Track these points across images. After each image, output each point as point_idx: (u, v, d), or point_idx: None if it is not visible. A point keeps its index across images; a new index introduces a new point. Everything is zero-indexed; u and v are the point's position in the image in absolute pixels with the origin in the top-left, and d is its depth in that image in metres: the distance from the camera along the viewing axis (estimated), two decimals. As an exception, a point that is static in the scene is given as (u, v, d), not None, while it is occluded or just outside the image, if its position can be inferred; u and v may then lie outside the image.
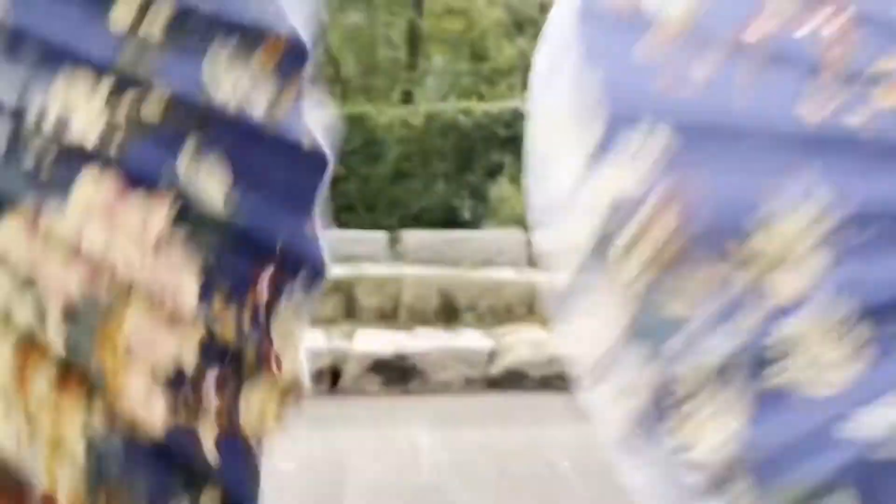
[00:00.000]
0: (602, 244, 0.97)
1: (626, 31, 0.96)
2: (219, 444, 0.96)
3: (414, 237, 7.41)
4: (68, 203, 0.80)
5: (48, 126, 0.80)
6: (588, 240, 1.00)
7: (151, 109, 0.84)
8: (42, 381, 0.82)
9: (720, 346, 0.88)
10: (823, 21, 0.86)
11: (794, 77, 0.87)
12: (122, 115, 0.82)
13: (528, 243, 7.52)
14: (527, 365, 5.66)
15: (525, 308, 6.50)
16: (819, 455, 0.83)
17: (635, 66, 0.94)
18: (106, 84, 0.82)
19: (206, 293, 0.88)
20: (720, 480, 0.89)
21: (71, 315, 0.81)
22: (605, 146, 0.94)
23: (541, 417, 4.94)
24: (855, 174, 0.85)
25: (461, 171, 7.74)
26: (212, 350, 0.90)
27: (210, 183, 0.87)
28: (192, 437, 0.91)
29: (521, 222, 8.36)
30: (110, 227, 0.82)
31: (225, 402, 0.94)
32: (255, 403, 1.00)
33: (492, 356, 5.70)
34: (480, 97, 16.18)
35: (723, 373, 0.88)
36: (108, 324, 0.83)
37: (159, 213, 0.83)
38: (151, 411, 0.86)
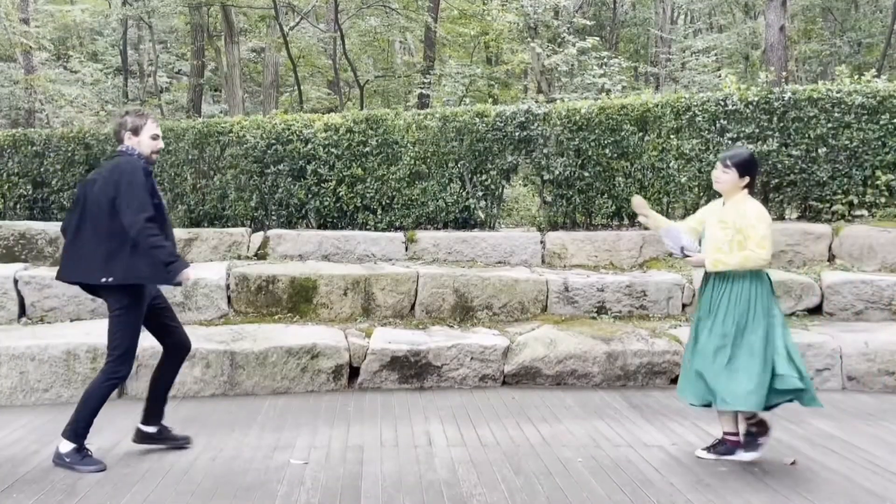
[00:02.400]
0: None
1: None
2: None
3: (429, 237, 7.51)
4: None
5: None
6: None
7: None
8: None
9: None
10: None
11: None
12: None
13: (542, 243, 7.57)
14: (540, 362, 5.72)
15: (538, 306, 6.55)
16: None
17: None
18: None
19: None
20: None
21: None
22: None
23: (554, 414, 5.01)
24: None
25: (476, 172, 7.79)
26: None
27: None
28: None
29: (534, 222, 8.41)
30: None
31: None
32: None
33: (506, 354, 5.77)
34: (495, 100, 16.24)
35: None
36: None
37: None
38: None
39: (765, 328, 3.96)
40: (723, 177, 4.03)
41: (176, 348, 4.29)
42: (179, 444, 4.28)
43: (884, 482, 3.83)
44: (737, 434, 4.15)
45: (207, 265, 6.86)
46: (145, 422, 4.27)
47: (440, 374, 5.67)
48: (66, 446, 3.97)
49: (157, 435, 4.28)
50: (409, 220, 7.87)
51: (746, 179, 4.01)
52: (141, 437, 4.27)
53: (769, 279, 4.08)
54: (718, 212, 4.10)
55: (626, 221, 8.01)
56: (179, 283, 4.00)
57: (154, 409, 4.27)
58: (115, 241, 3.91)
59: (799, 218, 7.85)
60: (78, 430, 3.98)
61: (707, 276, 4.14)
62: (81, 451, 3.99)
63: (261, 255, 7.32)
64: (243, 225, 7.88)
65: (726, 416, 4.14)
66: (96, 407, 3.99)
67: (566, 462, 4.09)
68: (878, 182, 7.42)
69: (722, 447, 4.16)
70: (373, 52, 21.01)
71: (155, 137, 4.09)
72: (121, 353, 3.98)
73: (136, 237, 3.85)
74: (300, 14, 17.72)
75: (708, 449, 4.19)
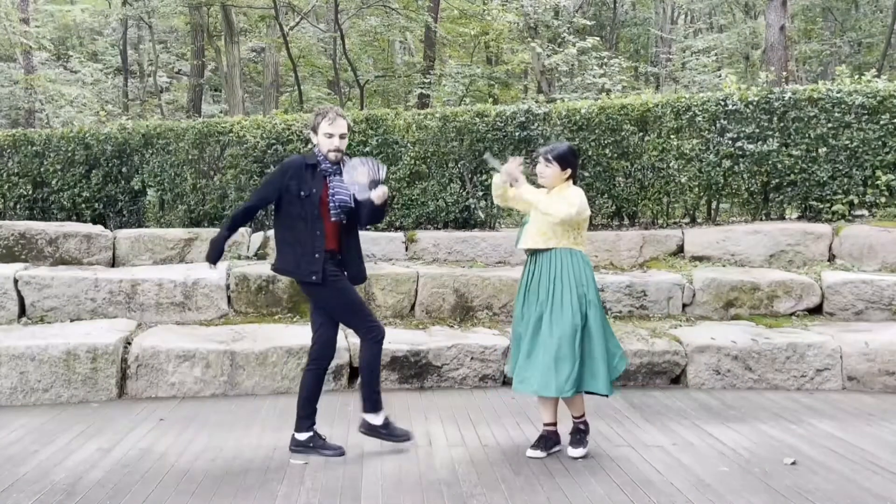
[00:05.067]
0: None
1: None
2: None
3: (429, 237, 7.49)
4: None
5: None
6: None
7: None
8: None
9: None
10: None
11: None
12: None
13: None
14: (540, 362, 5.70)
15: (539, 307, 6.54)
16: None
17: None
18: None
19: None
20: None
21: None
22: None
23: (554, 414, 5.02)
24: None
25: (476, 172, 7.79)
26: None
27: None
28: None
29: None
30: None
31: None
32: None
33: (506, 354, 5.76)
34: (495, 100, 16.24)
35: None
36: None
37: None
38: None
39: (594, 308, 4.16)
40: (546, 171, 4.17)
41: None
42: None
43: (884, 482, 3.82)
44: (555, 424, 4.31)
45: (207, 265, 6.85)
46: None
47: (440, 375, 5.67)
48: (302, 436, 4.22)
49: (382, 427, 4.29)
50: (409, 220, 7.88)
51: (568, 171, 4.18)
52: (367, 428, 4.31)
53: (585, 259, 4.21)
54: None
55: (626, 221, 8.02)
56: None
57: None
58: (280, 232, 4.20)
59: (799, 218, 7.85)
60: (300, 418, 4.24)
61: (536, 260, 4.22)
62: (314, 438, 4.21)
63: (261, 255, 7.31)
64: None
65: (552, 406, 4.27)
66: (308, 395, 4.21)
67: (566, 462, 4.10)
68: (879, 182, 7.42)
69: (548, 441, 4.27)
70: (373, 52, 21.00)
71: (328, 136, 4.07)
72: (316, 342, 4.22)
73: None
74: (300, 14, 17.72)
75: (539, 447, 4.25)
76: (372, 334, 4.18)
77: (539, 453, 4.20)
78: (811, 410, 5.12)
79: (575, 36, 15.97)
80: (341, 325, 4.35)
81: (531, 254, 4.26)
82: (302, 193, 4.06)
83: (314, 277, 4.09)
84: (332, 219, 4.14)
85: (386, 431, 4.29)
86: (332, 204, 4.11)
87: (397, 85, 19.96)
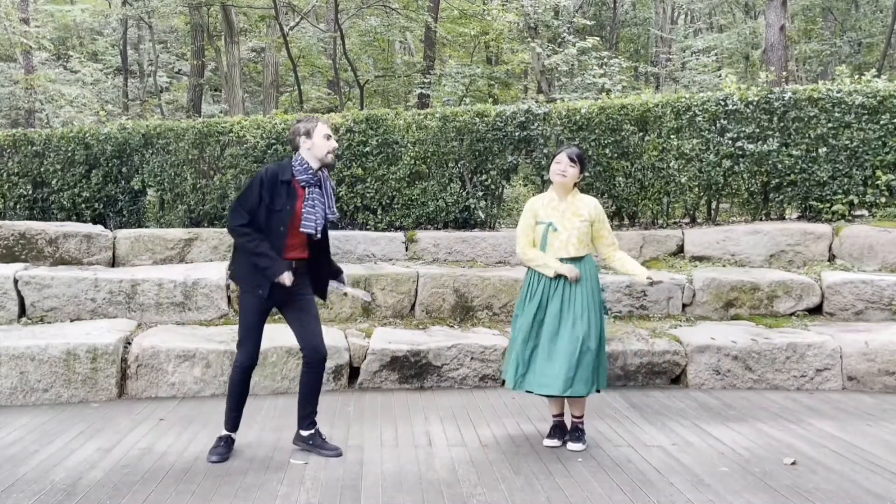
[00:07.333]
0: None
1: None
2: None
3: (429, 237, 7.50)
4: None
5: None
6: None
7: None
8: None
9: None
10: None
11: None
12: None
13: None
14: (540, 362, 5.71)
15: (539, 307, 6.54)
16: None
17: None
18: None
19: None
20: None
21: None
22: None
23: (554, 414, 5.02)
24: None
25: (476, 172, 7.79)
26: None
27: None
28: None
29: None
30: None
31: None
32: None
33: (505, 354, 5.75)
34: (495, 100, 16.25)
35: None
36: None
37: None
38: None
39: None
40: (570, 171, 4.35)
41: (306, 354, 4.24)
42: (327, 454, 4.23)
43: (884, 482, 3.83)
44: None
45: (207, 265, 6.86)
46: (299, 425, 4.32)
47: (440, 374, 5.67)
48: (305, 432, 4.28)
49: (308, 439, 4.28)
50: (409, 220, 7.87)
51: (583, 175, 4.42)
52: (296, 438, 4.35)
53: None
54: (560, 205, 4.39)
55: (626, 221, 8.02)
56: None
57: (300, 412, 4.30)
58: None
59: (799, 218, 7.86)
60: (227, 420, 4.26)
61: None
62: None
63: (261, 255, 7.30)
64: (243, 225, 7.86)
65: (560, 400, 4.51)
66: (230, 394, 4.21)
67: (566, 462, 4.10)
68: (879, 182, 7.43)
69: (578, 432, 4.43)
70: (373, 52, 21.00)
71: (327, 137, 4.18)
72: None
73: (235, 240, 4.13)
74: (300, 14, 17.72)
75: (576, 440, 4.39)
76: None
77: (556, 442, 4.39)
78: (811, 410, 5.12)
79: (575, 36, 15.98)
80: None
81: (562, 261, 4.35)
82: (276, 208, 4.03)
83: (260, 291, 4.05)
84: (303, 231, 4.07)
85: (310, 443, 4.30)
86: (306, 217, 4.06)
87: (397, 85, 19.96)
